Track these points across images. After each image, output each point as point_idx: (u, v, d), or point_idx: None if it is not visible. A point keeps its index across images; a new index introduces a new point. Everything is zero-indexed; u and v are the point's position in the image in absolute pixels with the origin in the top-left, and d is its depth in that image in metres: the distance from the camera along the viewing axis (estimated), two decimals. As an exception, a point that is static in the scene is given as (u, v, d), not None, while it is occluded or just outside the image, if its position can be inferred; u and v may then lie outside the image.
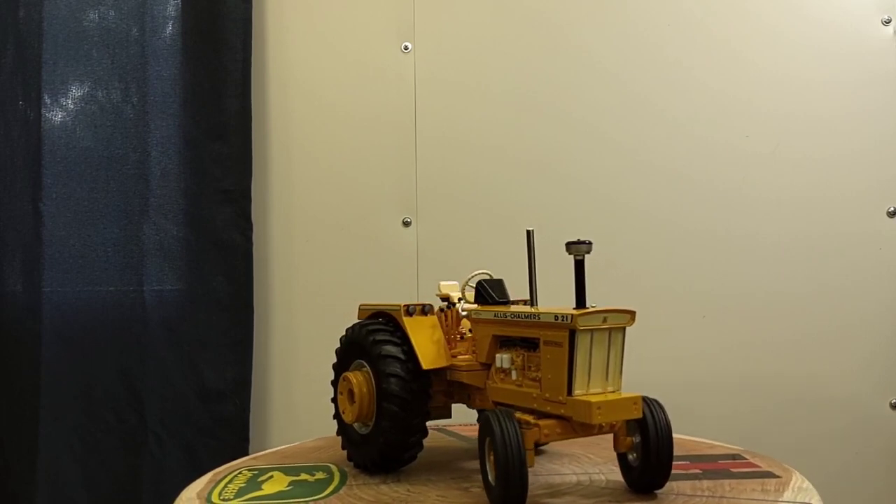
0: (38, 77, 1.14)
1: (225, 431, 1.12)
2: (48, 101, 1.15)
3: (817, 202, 1.08)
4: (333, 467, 0.70)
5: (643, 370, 1.08)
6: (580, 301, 0.55)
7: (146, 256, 1.14)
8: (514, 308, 0.61)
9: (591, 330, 0.53)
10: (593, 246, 0.55)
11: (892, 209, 1.06)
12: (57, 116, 1.15)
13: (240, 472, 0.70)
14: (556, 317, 0.54)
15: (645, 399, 0.54)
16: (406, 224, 1.15)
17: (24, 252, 1.13)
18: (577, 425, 0.52)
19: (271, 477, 0.68)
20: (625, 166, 1.12)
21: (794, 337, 1.07)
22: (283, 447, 0.81)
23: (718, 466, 0.64)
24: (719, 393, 1.08)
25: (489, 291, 0.64)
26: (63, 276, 1.14)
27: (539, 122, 1.14)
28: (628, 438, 0.55)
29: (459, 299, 0.69)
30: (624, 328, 0.54)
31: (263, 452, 0.80)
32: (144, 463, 1.12)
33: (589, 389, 0.53)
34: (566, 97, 1.14)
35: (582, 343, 0.53)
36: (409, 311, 0.66)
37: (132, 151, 1.16)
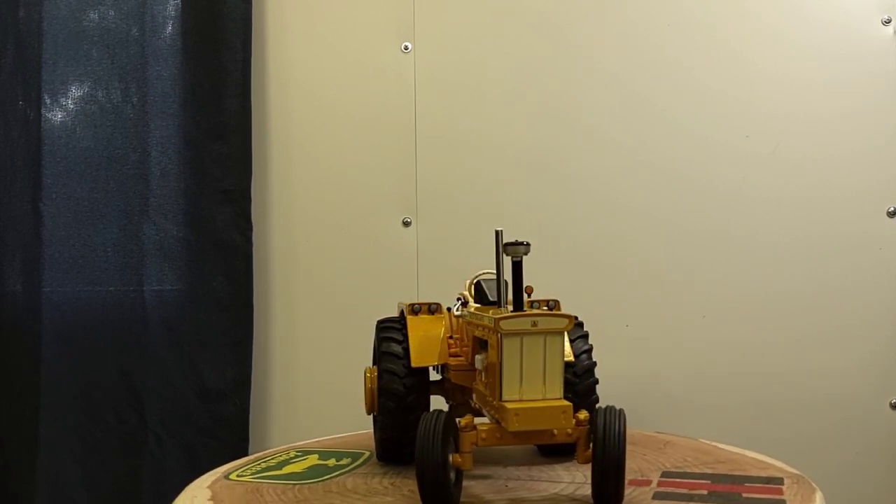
0: (38, 77, 1.14)
1: (225, 431, 1.12)
2: (48, 101, 1.15)
3: (817, 202, 1.08)
4: (366, 454, 0.72)
5: (643, 370, 1.08)
6: (518, 304, 0.54)
7: (146, 256, 1.14)
8: (472, 310, 0.61)
9: (521, 334, 0.51)
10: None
11: (892, 209, 1.06)
12: (57, 116, 1.15)
13: (282, 454, 0.75)
14: (490, 320, 0.53)
15: (605, 409, 0.51)
16: (406, 224, 1.15)
17: (24, 252, 1.13)
18: (517, 432, 0.50)
19: (305, 459, 0.72)
20: (624, 166, 1.12)
21: (793, 336, 1.07)
22: (364, 431, 0.80)
23: (733, 489, 0.59)
24: (719, 392, 1.08)
25: (485, 291, 0.64)
26: (63, 276, 1.14)
27: (539, 122, 1.14)
28: (588, 451, 0.52)
29: (458, 299, 0.69)
30: (562, 333, 0.52)
31: (332, 437, 0.82)
32: (144, 463, 1.12)
33: (522, 395, 0.51)
34: (566, 97, 1.14)
35: (508, 347, 0.51)
36: (415, 309, 0.67)
37: (132, 151, 1.16)
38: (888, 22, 1.07)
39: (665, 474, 0.62)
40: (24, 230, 1.13)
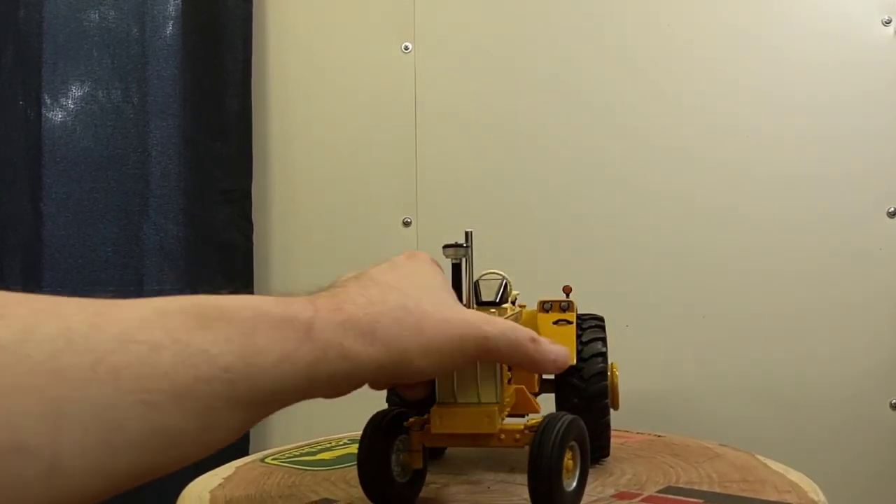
0: (38, 77, 1.14)
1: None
2: (48, 100, 1.15)
3: (817, 202, 1.08)
4: None
5: (642, 370, 1.08)
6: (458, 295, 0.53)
7: (146, 256, 1.14)
8: None
9: None
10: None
11: (892, 209, 1.06)
12: (57, 116, 1.15)
13: (332, 441, 0.77)
14: None
15: (551, 416, 0.49)
16: (406, 224, 1.15)
17: (24, 252, 1.13)
18: (461, 435, 0.50)
19: (347, 447, 0.74)
20: (625, 167, 1.12)
21: (793, 336, 1.07)
22: None
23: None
24: (718, 392, 1.08)
25: (479, 292, 0.64)
26: (63, 276, 1.14)
27: (540, 122, 1.14)
28: None
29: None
30: None
31: None
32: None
33: (457, 399, 0.50)
34: (567, 97, 1.14)
35: None
36: None
37: (132, 151, 1.15)
38: (888, 22, 1.07)
39: (665, 490, 0.59)
40: (24, 230, 1.13)
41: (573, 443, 0.50)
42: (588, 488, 0.59)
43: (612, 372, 0.66)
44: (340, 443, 0.77)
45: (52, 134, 1.15)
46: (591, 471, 0.63)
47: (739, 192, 1.09)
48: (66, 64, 1.16)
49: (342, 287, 0.43)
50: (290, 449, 0.74)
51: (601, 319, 0.67)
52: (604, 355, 0.64)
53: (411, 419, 0.52)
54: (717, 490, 0.59)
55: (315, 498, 0.58)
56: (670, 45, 1.12)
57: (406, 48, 1.16)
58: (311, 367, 0.37)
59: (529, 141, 1.14)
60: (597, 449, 0.63)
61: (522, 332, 0.47)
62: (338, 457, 0.71)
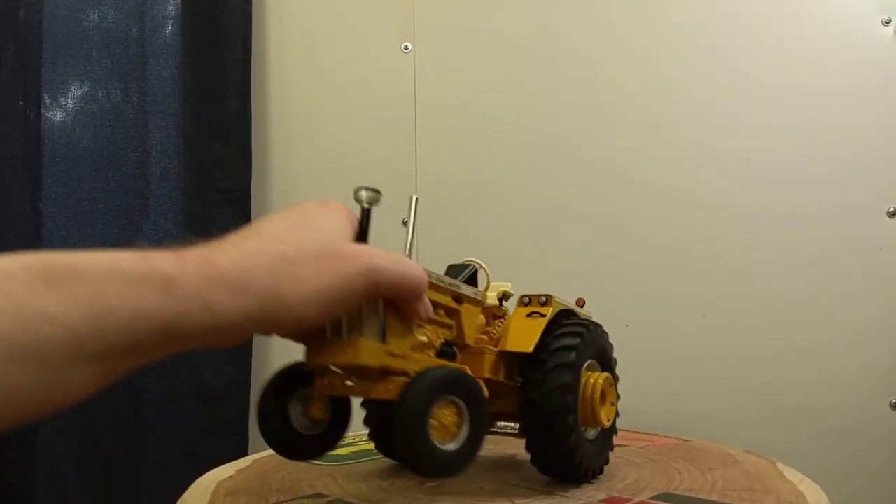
0: (37, 77, 1.14)
1: (224, 432, 1.12)
2: (48, 100, 1.14)
3: (817, 202, 1.08)
4: None
5: (641, 371, 1.08)
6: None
7: (146, 256, 1.14)
8: None
9: None
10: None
11: (893, 209, 1.06)
12: (57, 116, 1.15)
13: (358, 437, 0.78)
14: None
15: (428, 368, 0.47)
16: (405, 224, 1.14)
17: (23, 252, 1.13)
18: (334, 371, 0.48)
19: (366, 442, 0.74)
20: (626, 167, 1.12)
21: (792, 336, 1.07)
22: None
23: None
24: (718, 393, 1.08)
25: (449, 274, 0.61)
26: (63, 276, 1.14)
27: (540, 122, 1.14)
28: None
29: None
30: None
31: None
32: (143, 464, 1.12)
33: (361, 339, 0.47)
34: (567, 96, 1.14)
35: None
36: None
37: (132, 151, 1.15)
38: (888, 22, 1.07)
39: (659, 496, 0.58)
40: (24, 230, 1.13)
41: (456, 399, 0.46)
42: (580, 492, 0.59)
43: (594, 385, 0.59)
44: (363, 439, 0.76)
45: (51, 134, 1.15)
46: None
47: (740, 191, 1.09)
48: (66, 64, 1.16)
49: (220, 240, 0.42)
50: None
51: (595, 327, 0.61)
52: (571, 366, 0.56)
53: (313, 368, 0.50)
54: (715, 498, 0.57)
55: (309, 492, 0.58)
56: (671, 45, 1.12)
57: (406, 48, 1.16)
58: (171, 322, 0.36)
59: (529, 140, 1.14)
60: (569, 471, 0.58)
61: (414, 267, 0.46)
62: (352, 453, 0.71)
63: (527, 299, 0.61)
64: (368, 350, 0.46)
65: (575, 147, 1.13)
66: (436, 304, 0.54)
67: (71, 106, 1.16)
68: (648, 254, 1.10)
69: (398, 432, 0.43)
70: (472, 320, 0.58)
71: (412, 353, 0.49)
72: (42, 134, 1.14)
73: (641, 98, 1.12)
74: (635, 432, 0.76)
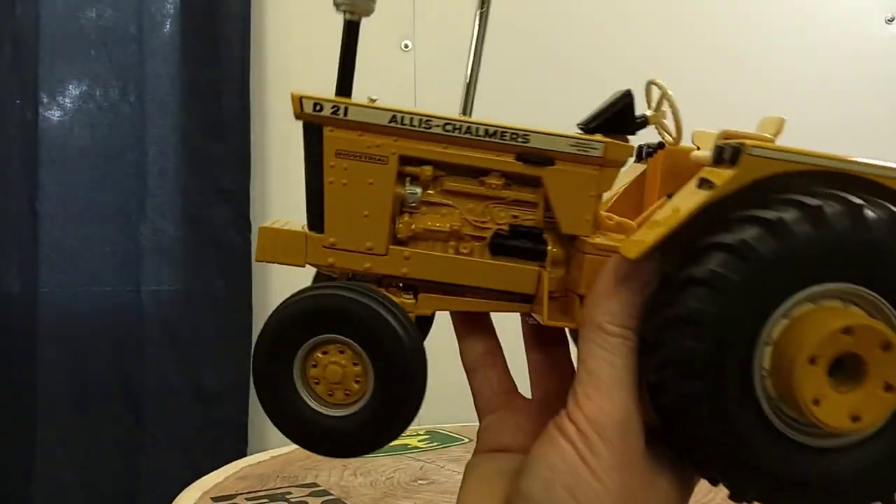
0: (35, 75, 1.13)
1: (223, 433, 1.11)
2: (45, 99, 1.14)
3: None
4: (463, 441, 0.78)
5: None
6: (344, 86, 0.36)
7: (143, 256, 1.13)
8: None
9: None
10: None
11: None
12: (54, 115, 1.14)
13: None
14: None
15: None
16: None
17: (21, 252, 1.13)
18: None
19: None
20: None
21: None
22: None
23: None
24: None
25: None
26: (60, 276, 1.13)
27: (539, 121, 1.13)
28: None
29: None
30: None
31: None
32: (141, 464, 1.11)
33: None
34: (568, 97, 1.13)
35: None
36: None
37: (129, 150, 1.15)
38: (891, 20, 1.07)
39: None
40: (21, 229, 1.13)
41: (349, 341, 0.31)
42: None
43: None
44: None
45: (48, 133, 1.14)
46: None
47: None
48: (63, 62, 1.15)
49: None
50: None
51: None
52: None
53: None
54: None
55: (306, 481, 0.59)
56: (673, 45, 1.11)
57: (406, 46, 1.16)
58: None
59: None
60: None
61: None
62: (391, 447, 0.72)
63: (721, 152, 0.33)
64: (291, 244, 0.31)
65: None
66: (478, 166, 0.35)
67: (68, 105, 1.15)
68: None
69: (255, 384, 0.31)
70: (583, 191, 0.36)
71: (408, 247, 0.34)
72: (39, 133, 1.13)
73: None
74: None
